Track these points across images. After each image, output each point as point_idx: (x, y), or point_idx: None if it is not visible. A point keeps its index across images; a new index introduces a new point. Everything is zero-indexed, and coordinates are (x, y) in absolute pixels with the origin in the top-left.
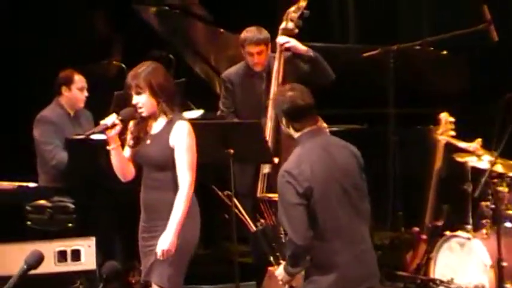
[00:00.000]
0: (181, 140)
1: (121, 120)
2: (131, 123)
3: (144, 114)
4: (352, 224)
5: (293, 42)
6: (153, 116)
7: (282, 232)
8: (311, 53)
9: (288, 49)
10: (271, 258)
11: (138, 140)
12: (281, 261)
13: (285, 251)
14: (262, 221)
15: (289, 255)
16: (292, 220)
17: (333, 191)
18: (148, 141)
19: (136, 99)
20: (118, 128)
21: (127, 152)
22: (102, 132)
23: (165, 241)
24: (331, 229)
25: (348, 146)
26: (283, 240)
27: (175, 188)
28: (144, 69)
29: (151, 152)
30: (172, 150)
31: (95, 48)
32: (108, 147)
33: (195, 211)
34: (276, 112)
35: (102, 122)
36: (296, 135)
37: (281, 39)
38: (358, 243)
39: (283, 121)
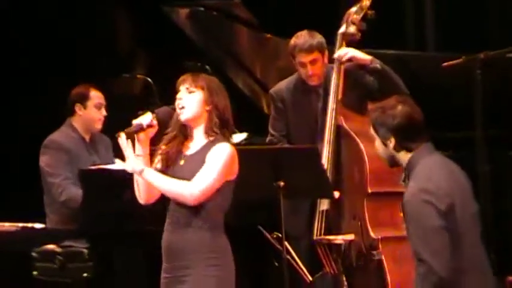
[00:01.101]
0: (216, 158)
1: (158, 121)
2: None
3: (183, 117)
4: (483, 253)
5: (352, 52)
6: (191, 131)
7: (345, 283)
8: (377, 64)
9: (348, 60)
10: None
11: (168, 161)
12: None
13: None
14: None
15: None
16: (434, 247)
17: (468, 213)
18: (182, 162)
19: (182, 96)
20: (153, 131)
21: None
22: (135, 133)
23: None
24: (468, 258)
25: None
26: None
27: (212, 226)
28: (207, 76)
29: (184, 174)
30: None
31: (116, 59)
32: (137, 153)
33: (227, 256)
34: (377, 128)
35: (135, 122)
36: (408, 156)
37: (339, 52)
38: (491, 278)
39: (392, 140)
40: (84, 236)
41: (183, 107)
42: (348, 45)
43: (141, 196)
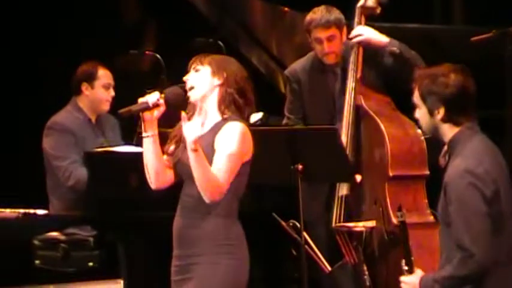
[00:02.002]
0: (228, 141)
1: (165, 101)
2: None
3: (193, 98)
4: None
5: (367, 35)
6: (204, 109)
7: (366, 273)
8: (394, 46)
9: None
10: None
11: (179, 144)
12: None
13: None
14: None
15: (464, 275)
16: (477, 233)
17: (510, 199)
18: None
19: (190, 76)
20: (160, 110)
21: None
22: (141, 111)
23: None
24: (508, 250)
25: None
26: (368, 283)
27: (227, 213)
28: (219, 55)
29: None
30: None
31: (123, 34)
32: (143, 134)
33: (242, 247)
34: (425, 96)
35: (141, 100)
36: (453, 131)
37: (354, 32)
38: None
39: (441, 111)
40: (90, 223)
41: (192, 87)
42: (368, 19)
43: (152, 181)
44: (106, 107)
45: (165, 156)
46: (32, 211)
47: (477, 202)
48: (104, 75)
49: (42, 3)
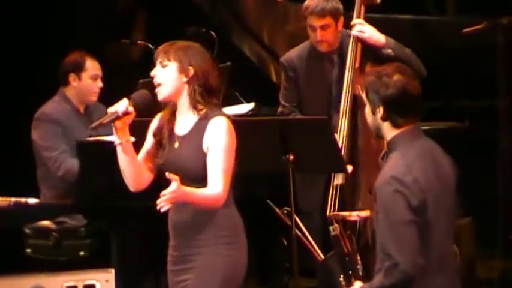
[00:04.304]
0: (218, 139)
1: (135, 107)
2: (155, 120)
3: (161, 96)
4: (452, 255)
5: (368, 33)
6: (178, 107)
7: (359, 262)
8: (389, 49)
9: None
10: None
11: (162, 143)
12: None
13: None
14: None
15: (391, 284)
16: (401, 242)
17: (442, 210)
18: (176, 145)
19: (156, 72)
20: (130, 118)
21: (141, 155)
22: (112, 122)
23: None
24: (437, 259)
25: (447, 155)
26: (361, 273)
27: (223, 203)
28: (181, 43)
29: (182, 158)
30: (205, 155)
31: (114, 24)
32: (116, 143)
33: (241, 234)
34: (368, 93)
35: (110, 110)
36: (392, 132)
37: (355, 22)
38: (457, 282)
39: (380, 110)
40: (81, 212)
41: (159, 84)
42: (367, 10)
43: (130, 184)
44: (94, 97)
45: (140, 155)
46: (23, 200)
47: (402, 210)
48: (91, 66)
49: None
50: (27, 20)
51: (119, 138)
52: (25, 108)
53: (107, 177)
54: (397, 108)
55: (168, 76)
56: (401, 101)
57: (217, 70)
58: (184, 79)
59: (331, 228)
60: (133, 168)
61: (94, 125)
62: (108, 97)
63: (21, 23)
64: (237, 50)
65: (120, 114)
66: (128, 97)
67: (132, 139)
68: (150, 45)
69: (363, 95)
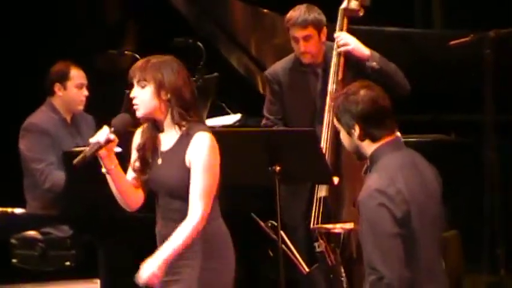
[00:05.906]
0: (200, 156)
1: (116, 133)
2: (137, 136)
3: (139, 114)
4: (441, 266)
5: (353, 45)
6: (160, 123)
7: (343, 274)
8: (373, 63)
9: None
10: None
11: (147, 160)
12: None
13: None
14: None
15: None
16: (386, 255)
17: (427, 220)
18: (159, 161)
19: (135, 93)
20: (114, 144)
21: (130, 174)
22: (96, 152)
23: (151, 266)
24: (424, 271)
25: (431, 165)
26: (344, 285)
27: (210, 215)
28: (154, 60)
29: (164, 175)
30: (189, 171)
31: (102, 35)
32: (103, 171)
33: (228, 248)
34: (340, 116)
35: (92, 140)
36: (372, 147)
37: (340, 37)
38: None
39: (356, 128)
40: (67, 222)
41: (137, 105)
42: (350, 22)
43: (125, 206)
44: (80, 106)
45: (129, 174)
46: (9, 210)
47: (387, 223)
48: (76, 76)
49: (22, 4)
50: (13, 32)
51: (106, 166)
52: (13, 118)
53: (93, 188)
54: (372, 122)
55: (146, 97)
56: (374, 114)
57: (190, 83)
58: (164, 98)
59: (316, 244)
60: (126, 191)
61: (77, 160)
62: (96, 107)
63: (8, 35)
64: (224, 61)
65: (102, 143)
66: (108, 124)
67: (118, 149)
68: (137, 56)
69: (335, 122)
